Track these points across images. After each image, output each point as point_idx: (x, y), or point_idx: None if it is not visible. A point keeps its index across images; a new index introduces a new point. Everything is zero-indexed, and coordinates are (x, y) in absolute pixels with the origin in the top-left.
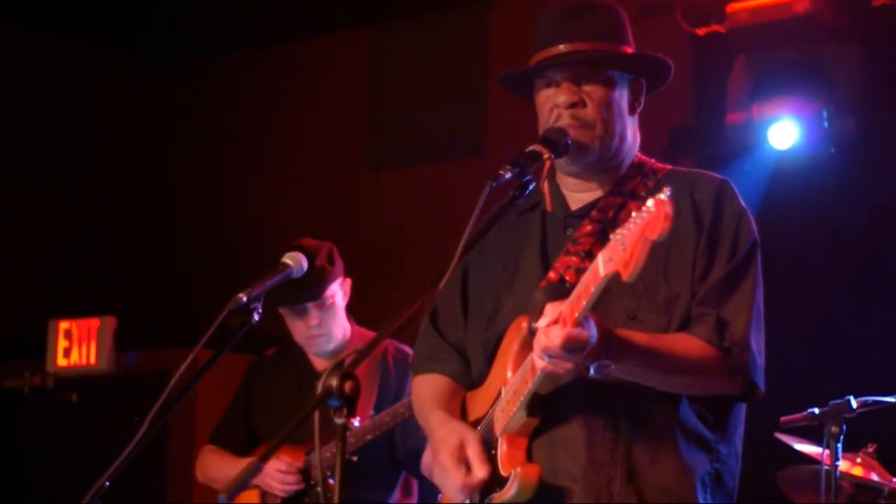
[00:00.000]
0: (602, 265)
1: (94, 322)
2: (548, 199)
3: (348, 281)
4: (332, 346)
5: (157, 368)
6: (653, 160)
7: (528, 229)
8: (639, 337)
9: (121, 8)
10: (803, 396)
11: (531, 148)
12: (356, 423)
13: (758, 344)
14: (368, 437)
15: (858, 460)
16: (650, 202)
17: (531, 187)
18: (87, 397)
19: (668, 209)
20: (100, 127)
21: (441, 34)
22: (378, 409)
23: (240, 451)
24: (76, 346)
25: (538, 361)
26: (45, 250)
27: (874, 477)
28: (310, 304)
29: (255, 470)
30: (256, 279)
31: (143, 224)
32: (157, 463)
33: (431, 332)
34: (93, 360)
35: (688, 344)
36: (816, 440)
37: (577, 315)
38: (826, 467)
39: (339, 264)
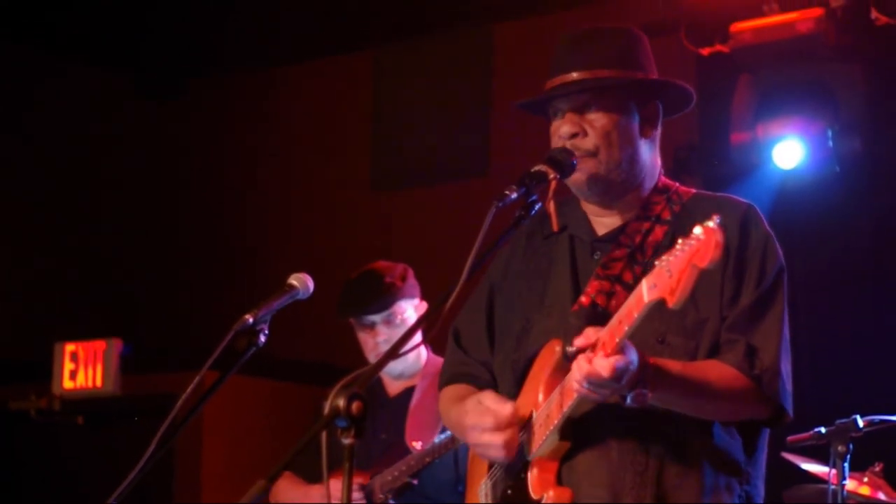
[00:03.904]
0: (646, 291)
1: (99, 344)
2: (554, 220)
3: (424, 304)
4: (401, 367)
5: (163, 391)
6: (677, 184)
7: (554, 253)
8: (671, 364)
9: (121, 31)
10: (810, 416)
11: (536, 168)
12: (418, 446)
13: (786, 369)
14: (427, 459)
15: (865, 479)
16: (698, 230)
17: (537, 207)
18: (94, 419)
19: (720, 237)
20: (101, 149)
21: (444, 55)
22: (444, 431)
23: (312, 478)
24: (82, 369)
25: (577, 387)
26: (49, 273)
27: (881, 496)
28: (377, 319)
29: (263, 492)
30: (262, 300)
31: (146, 246)
32: (163, 485)
33: (457, 350)
34: (99, 382)
35: (719, 371)
36: (823, 459)
37: (618, 340)
38: (833, 487)
39: (412, 284)
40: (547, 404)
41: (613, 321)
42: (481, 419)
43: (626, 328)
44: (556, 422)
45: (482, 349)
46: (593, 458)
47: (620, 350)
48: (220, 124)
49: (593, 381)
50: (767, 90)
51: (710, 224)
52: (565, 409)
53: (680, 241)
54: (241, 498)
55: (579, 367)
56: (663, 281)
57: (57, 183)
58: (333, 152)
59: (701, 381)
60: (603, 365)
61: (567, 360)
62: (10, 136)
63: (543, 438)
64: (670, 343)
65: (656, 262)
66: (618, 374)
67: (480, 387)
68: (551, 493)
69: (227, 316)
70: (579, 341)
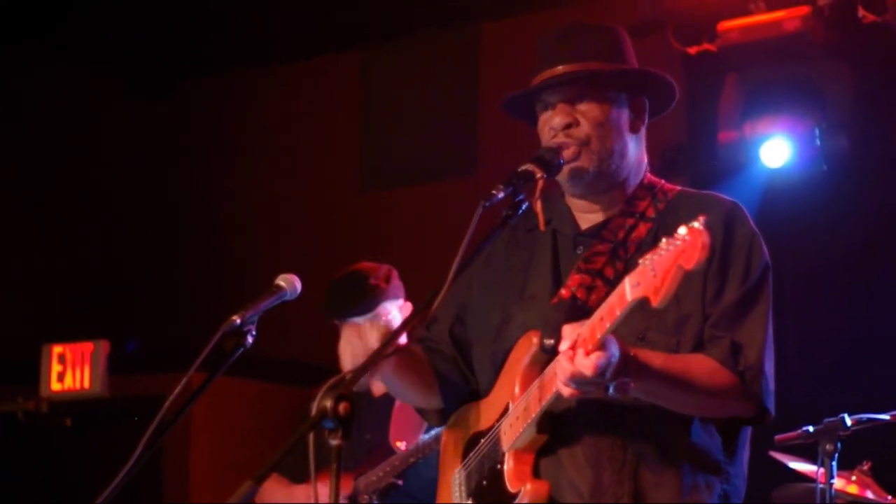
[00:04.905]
0: (629, 290)
1: (87, 346)
2: (541, 219)
3: (409, 305)
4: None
5: (151, 392)
6: (663, 181)
7: (536, 246)
8: (655, 357)
9: (111, 32)
10: (798, 414)
11: (524, 167)
12: (402, 446)
13: (770, 368)
14: (412, 459)
15: (853, 478)
16: (683, 230)
17: (524, 207)
18: (82, 421)
19: (706, 239)
20: (91, 150)
21: (431, 54)
22: (429, 431)
23: (298, 479)
24: (70, 371)
25: (563, 388)
26: (37, 274)
27: (869, 495)
28: (361, 320)
29: (251, 493)
30: (250, 301)
31: (135, 247)
32: (152, 486)
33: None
34: (86, 384)
35: (703, 365)
36: (811, 458)
37: (599, 337)
38: (821, 485)
39: (396, 286)
40: (524, 397)
41: (595, 318)
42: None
43: (608, 325)
44: (533, 415)
45: (440, 336)
46: (571, 453)
47: (601, 346)
48: (210, 125)
49: (577, 380)
50: (755, 89)
51: (696, 225)
52: (544, 403)
53: (665, 240)
54: (229, 498)
55: (562, 370)
56: (647, 280)
57: (46, 183)
58: (322, 153)
59: (684, 374)
60: (585, 364)
61: (544, 353)
62: (7, 136)
63: (520, 431)
64: (651, 340)
65: (640, 261)
66: (601, 371)
67: (430, 348)
68: (529, 486)
69: (216, 317)
70: (563, 345)
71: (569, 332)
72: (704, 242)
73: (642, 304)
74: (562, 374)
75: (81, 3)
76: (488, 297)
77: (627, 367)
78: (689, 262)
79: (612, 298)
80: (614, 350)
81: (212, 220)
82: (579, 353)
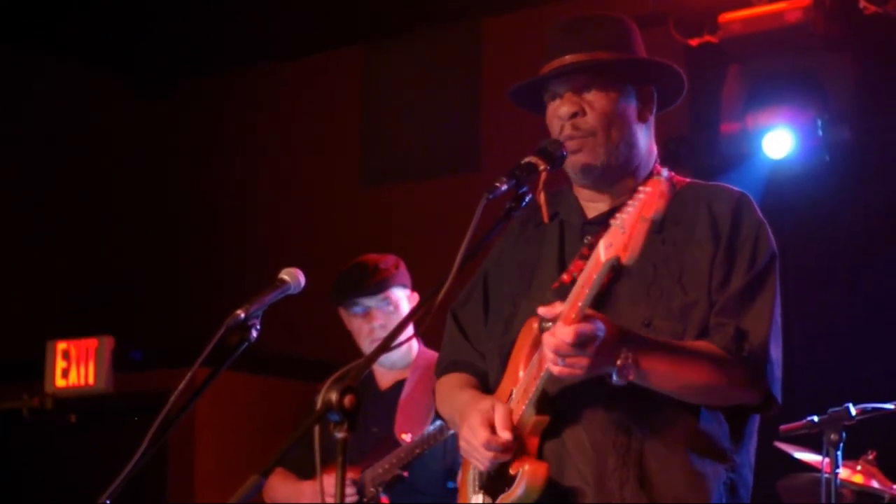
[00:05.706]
0: (603, 251)
1: (91, 342)
2: (544, 211)
3: (416, 295)
4: (394, 356)
5: (155, 388)
6: (672, 173)
7: (546, 238)
8: (656, 339)
9: (111, 32)
10: (802, 404)
11: (527, 159)
12: (407, 438)
13: (776, 355)
14: (417, 451)
15: (858, 468)
16: (647, 187)
17: (527, 199)
18: (86, 417)
19: (664, 187)
20: (91, 150)
21: (433, 49)
22: (434, 423)
23: (303, 473)
24: (74, 367)
25: (552, 367)
26: (42, 271)
27: (874, 484)
28: (371, 304)
29: (256, 486)
30: (254, 295)
31: (139, 244)
32: (157, 482)
33: (458, 336)
34: (91, 380)
35: (707, 352)
36: (816, 448)
37: (580, 304)
38: (826, 475)
39: (404, 273)
40: (525, 378)
41: (575, 288)
42: (480, 432)
43: (587, 291)
44: (531, 396)
45: (480, 338)
46: (576, 437)
47: (583, 317)
48: (212, 123)
49: (561, 352)
50: (757, 80)
51: (657, 177)
52: (539, 381)
53: (630, 200)
54: (235, 493)
55: (547, 344)
56: (618, 238)
57: (49, 182)
58: (324, 148)
59: (687, 359)
60: (566, 332)
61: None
62: (8, 136)
63: (521, 413)
64: (657, 327)
65: (611, 222)
66: (581, 340)
67: (477, 376)
68: (527, 466)
69: (216, 316)
70: (543, 310)
71: (558, 308)
72: (662, 191)
73: (616, 266)
74: (546, 351)
75: (81, 3)
76: (500, 293)
77: (626, 343)
78: (648, 211)
79: (590, 263)
80: (599, 324)
81: (212, 220)
82: (559, 324)
